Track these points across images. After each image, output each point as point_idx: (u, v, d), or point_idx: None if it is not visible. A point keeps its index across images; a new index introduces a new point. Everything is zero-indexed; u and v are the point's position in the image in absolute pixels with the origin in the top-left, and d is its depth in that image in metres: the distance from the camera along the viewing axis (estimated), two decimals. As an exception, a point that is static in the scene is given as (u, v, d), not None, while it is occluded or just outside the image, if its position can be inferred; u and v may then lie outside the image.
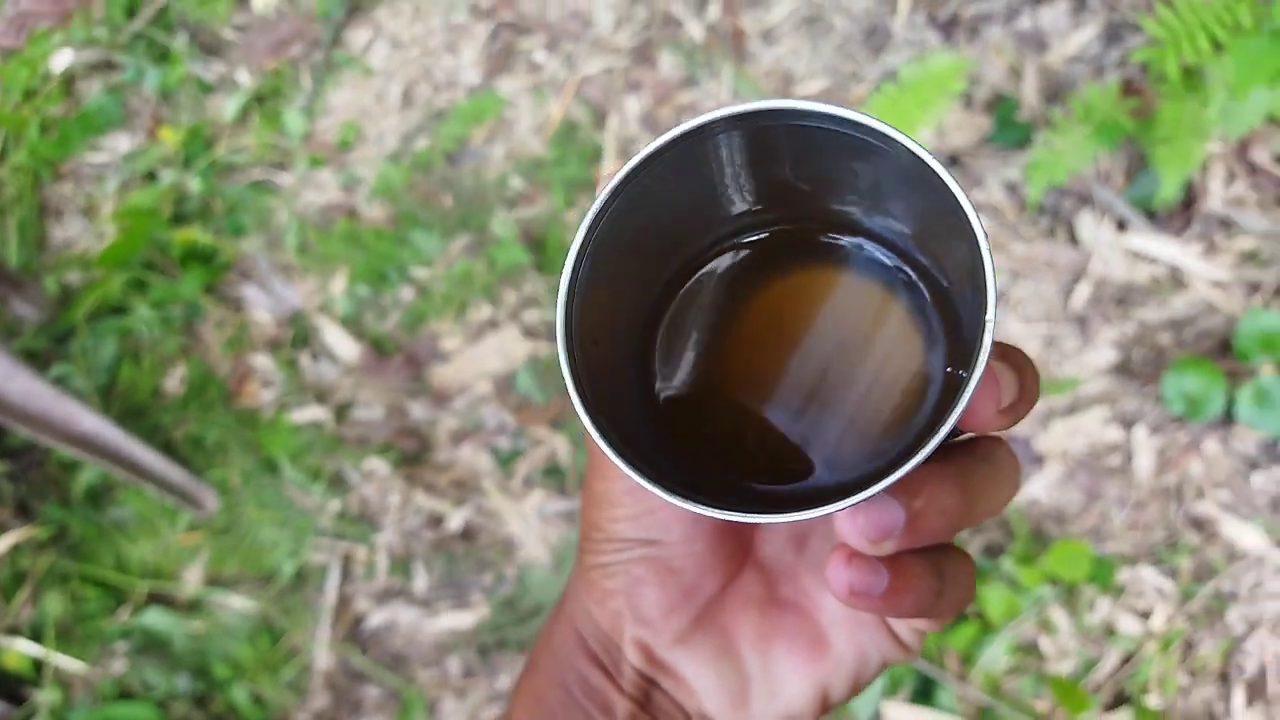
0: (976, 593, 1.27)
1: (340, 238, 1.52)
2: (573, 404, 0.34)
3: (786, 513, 0.31)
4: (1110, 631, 1.27)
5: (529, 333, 1.45)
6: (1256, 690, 1.23)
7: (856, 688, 0.42)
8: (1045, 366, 1.33)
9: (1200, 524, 1.28)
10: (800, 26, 1.47)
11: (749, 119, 0.34)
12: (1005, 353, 0.35)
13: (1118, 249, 1.33)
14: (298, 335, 1.51)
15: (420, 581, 1.42)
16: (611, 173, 0.34)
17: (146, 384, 1.53)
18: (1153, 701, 1.24)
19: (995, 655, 1.26)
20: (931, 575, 0.36)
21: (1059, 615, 1.27)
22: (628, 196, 0.35)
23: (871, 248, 0.39)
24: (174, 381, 1.54)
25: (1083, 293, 1.34)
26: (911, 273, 0.39)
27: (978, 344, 0.31)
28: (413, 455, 1.45)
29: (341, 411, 1.48)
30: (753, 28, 1.48)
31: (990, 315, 0.31)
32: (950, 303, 0.38)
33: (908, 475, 0.31)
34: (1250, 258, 1.31)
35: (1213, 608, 1.25)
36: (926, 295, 0.38)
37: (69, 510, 1.50)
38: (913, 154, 0.32)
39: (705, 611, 0.42)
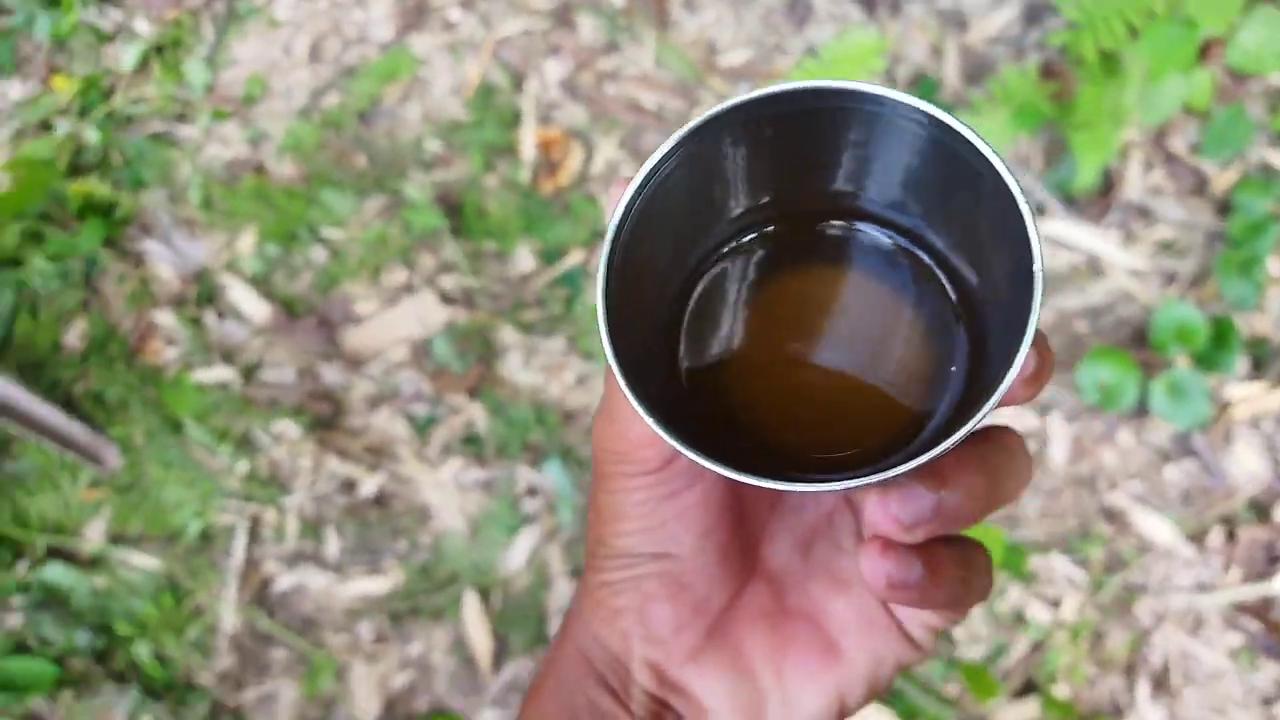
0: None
1: (248, 194, 1.47)
2: (622, 391, 0.33)
3: (821, 482, 0.31)
4: (1020, 619, 1.26)
5: (446, 298, 1.41)
6: (1161, 684, 1.23)
7: (872, 693, 0.41)
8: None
9: (1112, 515, 1.27)
10: (723, -6, 1.43)
11: (765, 104, 0.34)
12: None
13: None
14: (203, 293, 1.47)
15: (332, 546, 1.39)
16: (622, 187, 0.34)
17: (45, 338, 1.48)
18: (1060, 691, 1.24)
19: (904, 637, 1.26)
20: (959, 564, 0.36)
21: (970, 600, 1.27)
22: (655, 185, 0.34)
23: (898, 239, 0.39)
24: (74, 336, 1.49)
25: (1000, 276, 1.32)
26: (931, 261, 0.39)
27: (1024, 321, 0.31)
28: (325, 419, 1.41)
29: (249, 372, 1.44)
30: (675, -7, 1.43)
31: (1038, 288, 0.31)
32: (973, 292, 0.38)
33: (933, 461, 0.31)
34: (1167, 247, 1.29)
35: (1122, 599, 1.25)
36: (947, 283, 0.38)
37: (-35, 463, 1.47)
38: (946, 125, 0.32)
39: (716, 626, 0.40)
